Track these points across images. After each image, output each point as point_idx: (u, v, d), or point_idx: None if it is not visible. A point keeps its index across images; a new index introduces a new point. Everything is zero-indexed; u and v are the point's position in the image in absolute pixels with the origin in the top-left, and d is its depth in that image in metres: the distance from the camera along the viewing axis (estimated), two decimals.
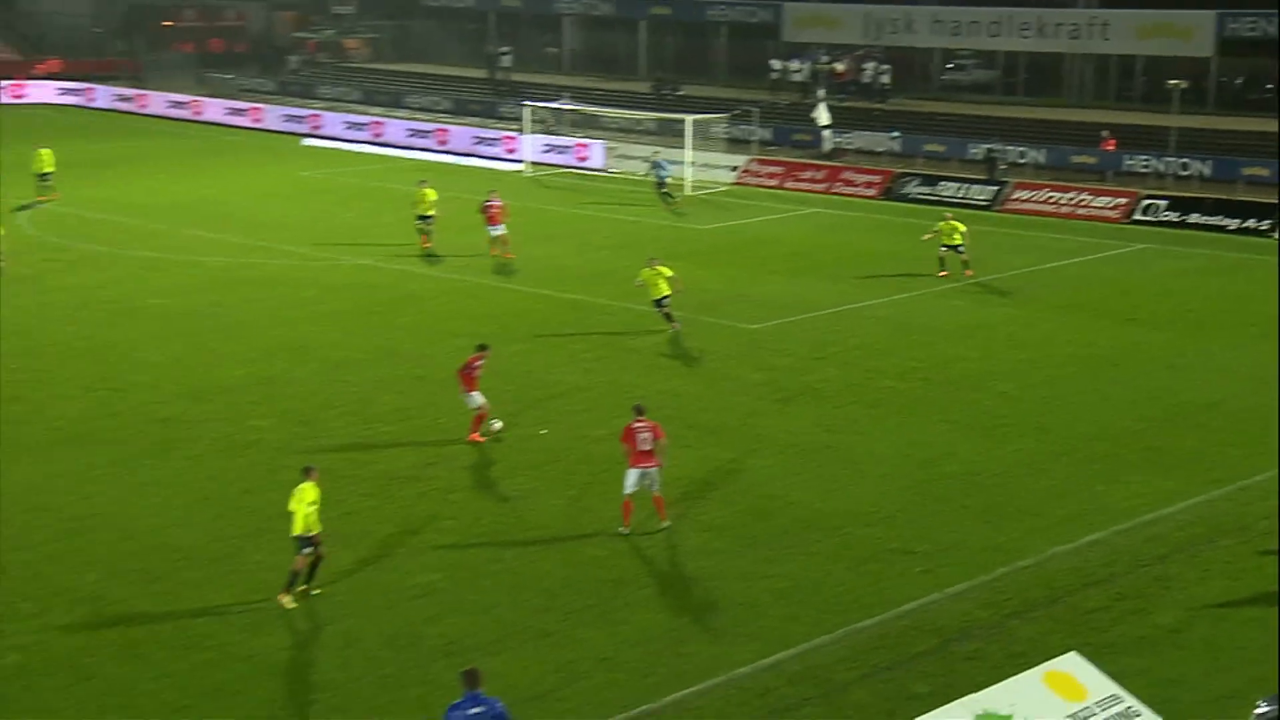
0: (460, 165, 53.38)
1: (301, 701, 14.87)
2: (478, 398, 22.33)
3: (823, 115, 53.65)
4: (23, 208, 39.95)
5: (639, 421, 19.03)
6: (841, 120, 54.96)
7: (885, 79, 58.46)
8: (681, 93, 61.74)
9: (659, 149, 47.63)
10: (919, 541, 18.86)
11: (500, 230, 35.81)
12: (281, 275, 33.87)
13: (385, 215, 41.02)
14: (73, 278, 32.94)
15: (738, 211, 44.51)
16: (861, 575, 17.89)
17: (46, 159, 40.26)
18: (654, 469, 18.89)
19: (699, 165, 49.84)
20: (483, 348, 22.87)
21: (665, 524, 19.04)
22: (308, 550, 16.92)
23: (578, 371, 26.35)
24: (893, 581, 17.63)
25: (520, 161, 52.42)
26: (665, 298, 28.55)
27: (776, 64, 60.68)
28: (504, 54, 67.96)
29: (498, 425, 22.54)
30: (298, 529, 16.87)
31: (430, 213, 36.69)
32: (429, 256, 36.01)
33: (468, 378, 22.35)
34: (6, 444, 21.93)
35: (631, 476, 18.88)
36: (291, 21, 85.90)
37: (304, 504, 16.93)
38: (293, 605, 16.76)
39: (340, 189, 46.81)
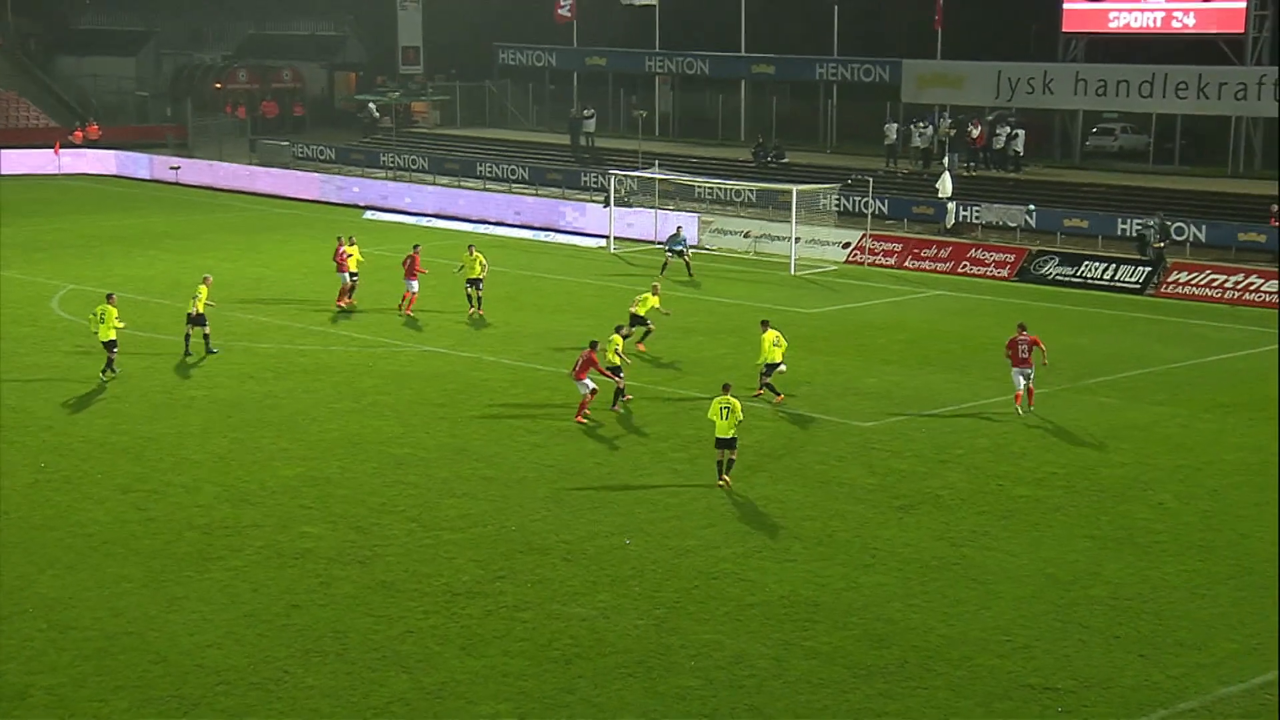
0: (537, 241, 54.08)
1: None
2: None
3: (946, 186, 53.65)
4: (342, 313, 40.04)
5: (1022, 335, 30.01)
6: (968, 192, 54.93)
7: (1019, 145, 58.41)
8: (786, 160, 62.21)
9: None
10: (1060, 676, 18.50)
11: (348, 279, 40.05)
12: (338, 362, 34.43)
13: (457, 298, 41.53)
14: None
15: (849, 293, 44.51)
16: (993, 714, 17.58)
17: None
18: (1030, 369, 29.93)
19: (806, 241, 50.06)
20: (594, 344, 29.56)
21: (1031, 408, 30.03)
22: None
23: (666, 473, 26.40)
24: None
25: (603, 236, 53.00)
26: (479, 280, 38.67)
27: (893, 128, 60.91)
28: (587, 118, 69.04)
29: (628, 541, 22.90)
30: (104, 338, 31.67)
31: (480, 277, 39.59)
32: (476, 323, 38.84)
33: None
34: (32, 553, 22.37)
35: (1017, 378, 30.10)
36: (353, 84, 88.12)
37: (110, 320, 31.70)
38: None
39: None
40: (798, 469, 26.75)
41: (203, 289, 34.82)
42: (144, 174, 71.65)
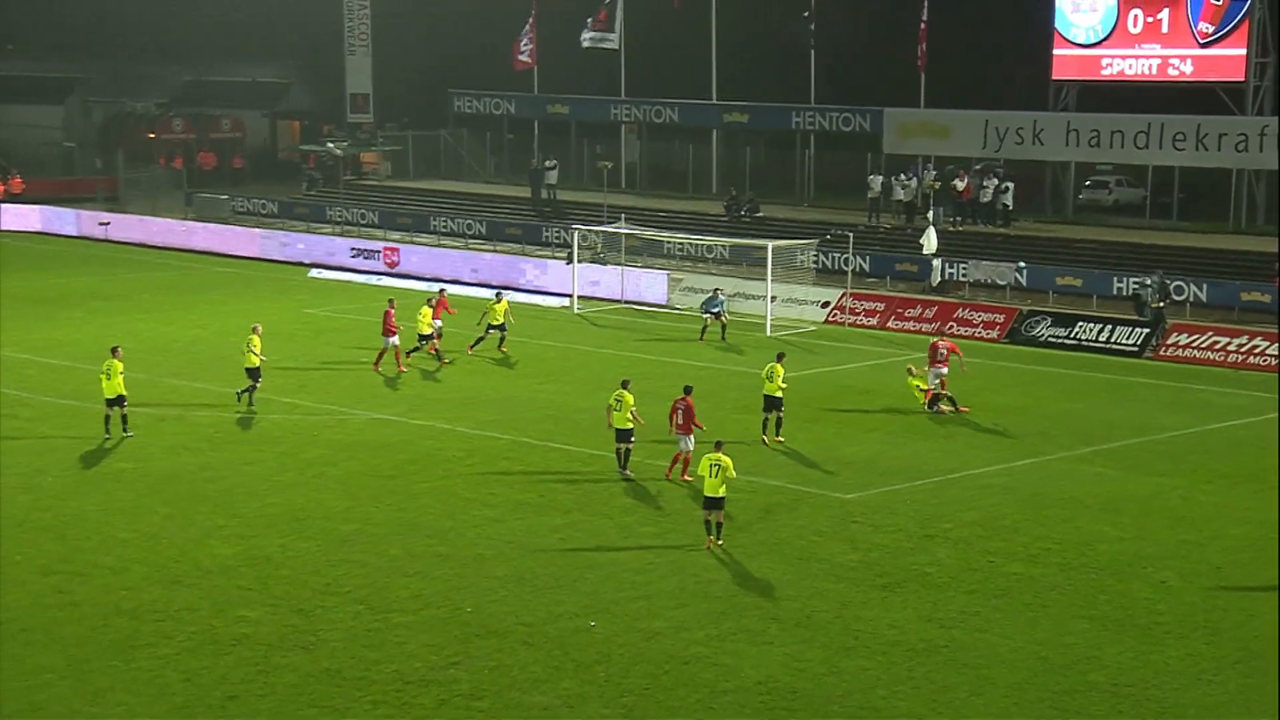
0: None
1: None
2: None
3: (931, 242, 54.03)
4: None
5: (942, 341, 37.12)
6: (954, 248, 55.32)
7: (1007, 199, 58.94)
8: (761, 214, 62.60)
9: (720, 287, 49.81)
10: None
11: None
12: (281, 432, 34.30)
13: (419, 361, 41.54)
14: (32, 437, 33.50)
15: (828, 356, 44.64)
16: None
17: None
18: (944, 370, 36.39)
19: (782, 300, 50.26)
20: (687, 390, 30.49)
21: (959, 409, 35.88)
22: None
23: (633, 547, 26.34)
24: None
25: (567, 295, 53.13)
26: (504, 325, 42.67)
27: (878, 180, 61.39)
28: (549, 169, 69.41)
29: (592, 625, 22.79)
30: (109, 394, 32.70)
31: (504, 323, 43.05)
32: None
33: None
34: None
35: (931, 376, 36.26)
36: (297, 133, 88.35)
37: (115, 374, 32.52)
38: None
39: (352, 328, 47.52)
40: (774, 544, 26.71)
41: (255, 339, 36.00)
42: (71, 230, 71.45)
